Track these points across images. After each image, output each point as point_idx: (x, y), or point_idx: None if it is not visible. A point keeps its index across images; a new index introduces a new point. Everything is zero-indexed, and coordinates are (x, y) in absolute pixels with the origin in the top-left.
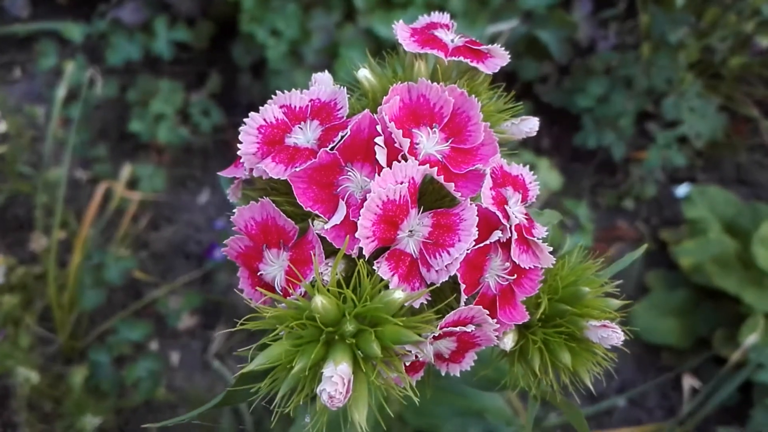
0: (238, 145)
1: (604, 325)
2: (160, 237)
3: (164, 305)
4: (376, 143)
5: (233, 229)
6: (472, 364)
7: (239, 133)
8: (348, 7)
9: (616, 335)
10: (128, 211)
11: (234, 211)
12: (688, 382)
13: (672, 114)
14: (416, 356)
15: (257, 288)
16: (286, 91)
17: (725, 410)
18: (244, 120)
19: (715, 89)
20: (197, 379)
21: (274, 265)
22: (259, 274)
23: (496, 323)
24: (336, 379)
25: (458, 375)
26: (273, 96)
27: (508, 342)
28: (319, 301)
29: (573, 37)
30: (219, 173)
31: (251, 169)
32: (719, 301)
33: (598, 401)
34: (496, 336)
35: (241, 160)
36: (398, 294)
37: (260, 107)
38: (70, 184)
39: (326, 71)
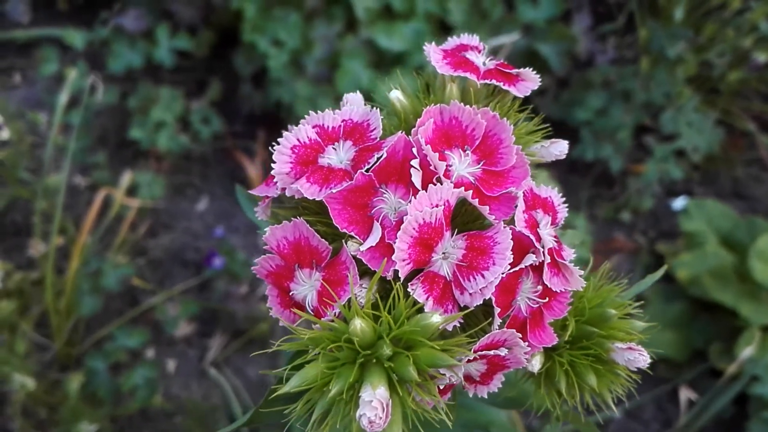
0: (272, 165)
1: (630, 348)
2: (158, 244)
3: (161, 312)
4: (412, 166)
5: (264, 248)
6: (500, 386)
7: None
8: (349, 18)
9: (642, 358)
10: (127, 218)
11: (265, 230)
12: (685, 394)
13: (670, 128)
14: (449, 379)
15: (292, 310)
16: (320, 112)
17: (721, 423)
18: (278, 140)
19: (712, 104)
20: (194, 387)
21: (306, 285)
22: (290, 294)
23: (527, 346)
24: (376, 403)
25: (485, 396)
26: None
27: (536, 364)
28: (358, 324)
29: (572, 51)
30: (250, 191)
31: (283, 188)
32: (716, 314)
33: (594, 413)
34: (525, 358)
35: (274, 180)
36: (436, 318)
37: (294, 126)
38: (69, 191)
39: (357, 92)
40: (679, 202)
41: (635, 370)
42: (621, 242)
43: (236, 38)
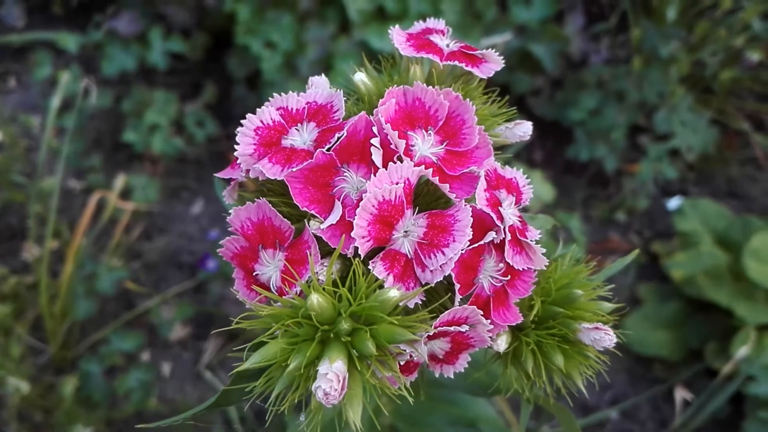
0: (235, 146)
1: (597, 327)
2: (153, 247)
3: (156, 316)
4: (372, 144)
5: (229, 229)
6: (466, 365)
7: (234, 143)
8: (343, 20)
9: (608, 337)
10: (121, 222)
11: (230, 212)
12: (680, 394)
13: (663, 127)
14: (411, 356)
15: (253, 286)
16: (283, 94)
17: (717, 422)
18: (241, 122)
19: (706, 103)
20: (189, 390)
21: (270, 266)
22: (254, 274)
23: (490, 324)
24: (331, 376)
25: (452, 377)
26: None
27: (502, 344)
28: (315, 298)
29: (565, 51)
30: (215, 174)
31: (248, 171)
32: (711, 314)
33: (591, 413)
34: (490, 337)
35: (238, 162)
36: (393, 293)
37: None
38: (63, 194)
39: (323, 75)
40: (673, 202)
41: (602, 350)
42: (616, 242)
43: (230, 41)
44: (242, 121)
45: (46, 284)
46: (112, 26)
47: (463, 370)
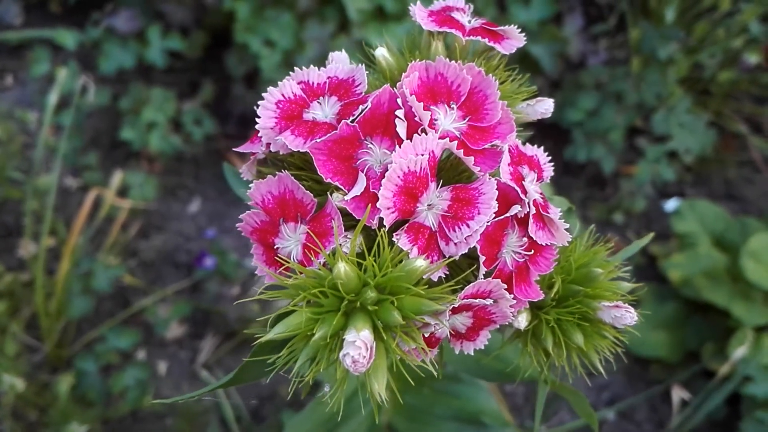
0: (256, 119)
1: (617, 306)
2: (149, 245)
3: (153, 314)
4: (397, 116)
5: (249, 203)
6: (486, 342)
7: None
8: (342, 19)
9: (629, 315)
10: (118, 219)
11: (251, 185)
12: (678, 394)
13: (661, 129)
14: (434, 327)
15: (276, 257)
16: (304, 68)
17: (714, 423)
18: (263, 95)
19: (704, 105)
20: (185, 389)
21: (291, 240)
22: (275, 248)
23: (513, 299)
24: (359, 343)
25: (472, 353)
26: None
27: (522, 321)
28: (342, 267)
29: (564, 52)
30: (234, 149)
31: (268, 144)
32: (708, 315)
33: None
34: (511, 313)
35: (259, 135)
36: (420, 262)
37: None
38: (60, 192)
39: (342, 50)
40: (671, 204)
41: (622, 327)
42: (614, 243)
43: (229, 39)
44: (264, 95)
45: (41, 282)
46: (111, 24)
47: (483, 348)
